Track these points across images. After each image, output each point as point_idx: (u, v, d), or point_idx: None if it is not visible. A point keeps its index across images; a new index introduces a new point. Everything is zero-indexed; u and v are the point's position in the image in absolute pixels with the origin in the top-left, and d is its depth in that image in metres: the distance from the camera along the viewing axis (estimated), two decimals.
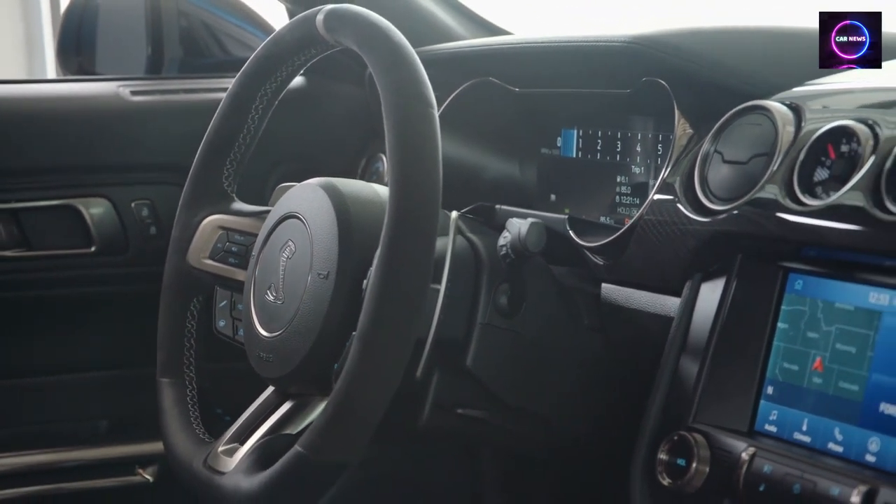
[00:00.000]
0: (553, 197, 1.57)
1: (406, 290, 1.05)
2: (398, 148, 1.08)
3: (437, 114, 1.11)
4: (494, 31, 1.78)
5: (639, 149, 1.42)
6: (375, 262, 1.06)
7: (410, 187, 1.07)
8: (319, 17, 1.22)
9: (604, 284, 1.30)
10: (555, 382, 1.29)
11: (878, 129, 1.03)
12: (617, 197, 1.46)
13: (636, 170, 1.43)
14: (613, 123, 1.46)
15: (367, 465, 1.72)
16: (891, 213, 0.97)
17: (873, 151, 1.01)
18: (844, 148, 1.05)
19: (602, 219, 1.47)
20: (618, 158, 1.46)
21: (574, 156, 1.53)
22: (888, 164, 0.99)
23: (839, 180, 1.04)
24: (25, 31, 4.72)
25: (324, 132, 1.80)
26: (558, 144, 1.55)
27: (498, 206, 1.44)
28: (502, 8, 1.96)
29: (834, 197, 1.02)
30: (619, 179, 1.45)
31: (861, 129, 1.04)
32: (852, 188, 1.01)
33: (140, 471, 1.72)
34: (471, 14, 1.77)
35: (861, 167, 1.01)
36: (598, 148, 1.49)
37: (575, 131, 1.53)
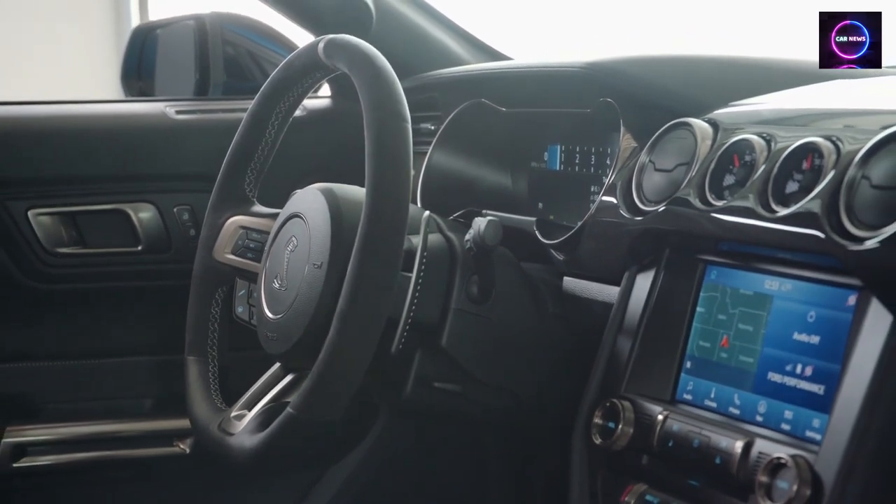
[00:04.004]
0: (541, 205, 1.75)
1: (376, 276, 1.24)
2: (375, 156, 1.27)
3: (410, 127, 1.29)
4: (496, 55, 1.98)
5: (608, 162, 1.61)
6: (353, 252, 1.26)
7: (383, 190, 1.26)
8: (320, 46, 1.41)
9: (565, 277, 1.48)
10: (522, 361, 1.46)
11: (772, 142, 1.21)
12: (591, 205, 1.64)
13: (605, 180, 1.61)
14: (588, 140, 1.64)
15: (381, 446, 1.92)
16: (774, 212, 1.15)
17: (766, 160, 1.20)
18: (747, 157, 1.23)
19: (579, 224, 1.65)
20: (592, 170, 1.64)
21: (558, 168, 1.72)
22: (775, 170, 1.17)
23: (740, 185, 1.22)
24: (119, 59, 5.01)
25: (346, 147, 1.97)
26: (545, 158, 1.74)
27: (484, 212, 1.63)
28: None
29: (732, 198, 1.21)
30: (592, 189, 1.64)
31: (758, 141, 1.22)
32: (746, 190, 1.19)
33: (177, 443, 1.90)
34: (475, 41, 1.97)
35: (755, 173, 1.20)
36: (577, 161, 1.67)
37: (559, 147, 1.71)
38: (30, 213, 1.84)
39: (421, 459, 1.99)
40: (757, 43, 3.03)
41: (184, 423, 1.60)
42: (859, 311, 1.07)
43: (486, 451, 1.95)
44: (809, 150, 1.15)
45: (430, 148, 1.76)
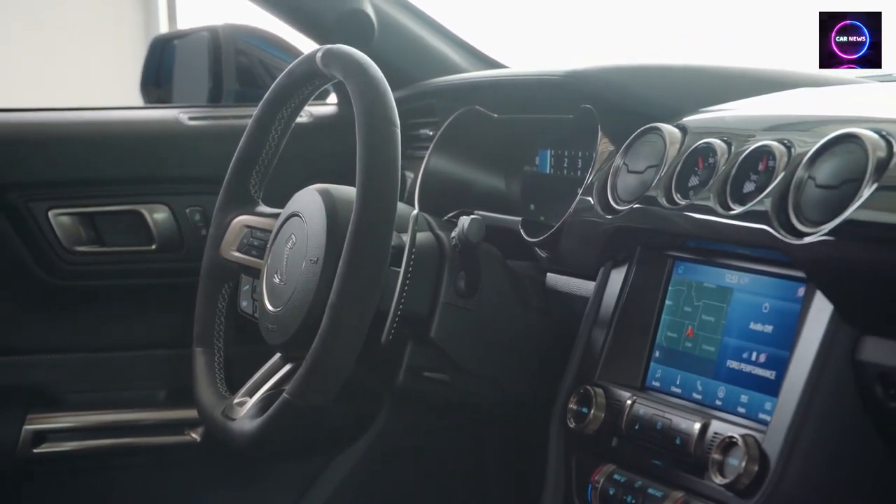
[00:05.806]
0: (532, 206, 1.84)
1: (364, 270, 1.33)
2: (365, 158, 1.36)
3: (399, 132, 1.38)
4: (492, 63, 2.07)
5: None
6: (343, 249, 1.35)
7: (372, 190, 1.34)
8: (318, 55, 1.49)
9: (548, 273, 1.57)
10: (507, 352, 1.54)
11: (732, 145, 1.30)
12: None
13: None
14: (574, 144, 1.73)
15: (382, 440, 2.00)
16: (731, 209, 1.24)
17: (726, 162, 1.28)
18: (710, 160, 1.31)
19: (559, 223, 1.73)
20: (578, 174, 1.73)
21: (548, 172, 1.80)
22: (734, 171, 1.26)
23: (703, 185, 1.30)
24: None
25: (350, 152, 2.06)
26: (536, 162, 1.83)
27: (475, 212, 1.72)
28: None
29: (695, 198, 1.30)
30: (578, 191, 1.72)
31: (720, 145, 1.30)
32: (708, 190, 1.28)
33: (189, 431, 1.99)
34: (472, 49, 2.06)
35: (716, 174, 1.29)
36: (565, 165, 1.76)
37: (549, 151, 1.80)
38: (50, 214, 1.93)
39: (421, 455, 2.06)
40: (755, 44, 3.08)
41: (194, 413, 1.67)
42: (806, 302, 1.16)
43: (486, 447, 2.02)
44: (764, 152, 1.23)
45: (428, 152, 1.85)
